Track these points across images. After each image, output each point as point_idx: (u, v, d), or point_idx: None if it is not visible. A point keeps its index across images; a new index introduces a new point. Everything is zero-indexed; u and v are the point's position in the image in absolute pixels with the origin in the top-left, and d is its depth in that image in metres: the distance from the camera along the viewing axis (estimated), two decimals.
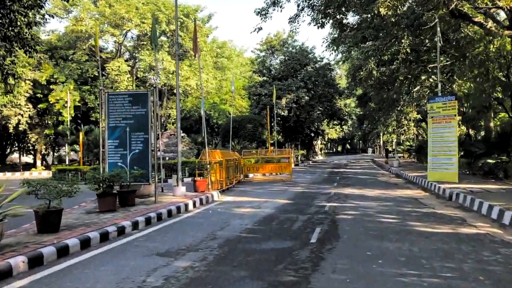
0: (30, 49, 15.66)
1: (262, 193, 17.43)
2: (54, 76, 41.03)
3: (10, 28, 14.75)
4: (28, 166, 48.98)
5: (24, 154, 59.25)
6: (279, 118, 34.47)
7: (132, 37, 45.34)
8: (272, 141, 32.74)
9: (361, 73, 24.05)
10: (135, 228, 9.26)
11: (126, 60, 43.84)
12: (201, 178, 15.90)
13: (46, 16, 18.53)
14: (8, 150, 55.60)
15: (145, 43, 43.33)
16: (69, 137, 32.24)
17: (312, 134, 47.20)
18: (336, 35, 40.08)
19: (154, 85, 11.83)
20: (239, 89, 46.98)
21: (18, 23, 14.72)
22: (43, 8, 16.58)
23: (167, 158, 30.23)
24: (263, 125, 33.37)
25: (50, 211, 7.62)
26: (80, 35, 40.64)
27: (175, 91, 47.25)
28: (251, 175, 25.84)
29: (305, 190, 18.36)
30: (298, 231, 9.10)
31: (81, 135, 30.26)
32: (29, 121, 41.92)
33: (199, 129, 44.22)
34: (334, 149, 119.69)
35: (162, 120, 48.39)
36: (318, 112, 41.15)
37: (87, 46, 40.83)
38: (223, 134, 33.94)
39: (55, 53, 43.14)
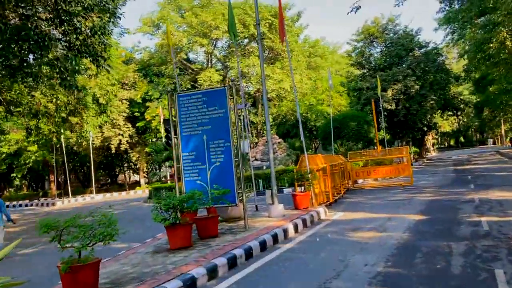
0: (97, 57, 14.00)
1: (381, 205, 13.85)
2: (149, 93, 41.06)
3: (75, 36, 13.14)
4: (135, 185, 49.97)
5: (132, 173, 61.30)
6: (385, 113, 30.18)
7: (222, 46, 44.04)
8: (380, 139, 28.59)
9: (491, 45, 19.34)
10: (213, 276, 6.44)
11: (217, 70, 42.56)
12: (302, 190, 12.82)
13: (119, 27, 17.04)
14: (118, 170, 57.75)
15: (234, 49, 41.60)
16: (163, 154, 31.29)
17: (425, 128, 41.67)
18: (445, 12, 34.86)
19: (231, 79, 8.35)
20: (337, 86, 43.26)
21: (82, 29, 13.03)
22: (114, 16, 14.93)
23: (264, 167, 27.69)
24: (369, 121, 29.38)
25: (78, 266, 5.09)
26: (169, 48, 40.10)
27: (269, 95, 45.03)
28: (360, 181, 22.17)
29: (437, 198, 14.40)
30: (466, 277, 5.58)
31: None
32: (129, 140, 42.48)
33: (296, 134, 41.35)
34: (446, 144, 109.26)
35: (258, 128, 46.40)
36: (431, 102, 35.83)
37: (177, 59, 40.17)
38: (323, 136, 30.60)
39: (148, 70, 43.34)
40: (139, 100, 40.81)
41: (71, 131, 32.53)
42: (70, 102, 25.18)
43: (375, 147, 26.59)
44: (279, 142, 28.72)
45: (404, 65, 35.75)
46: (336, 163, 17.35)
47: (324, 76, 51.40)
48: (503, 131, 76.32)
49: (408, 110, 34.61)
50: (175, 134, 10.34)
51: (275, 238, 8.83)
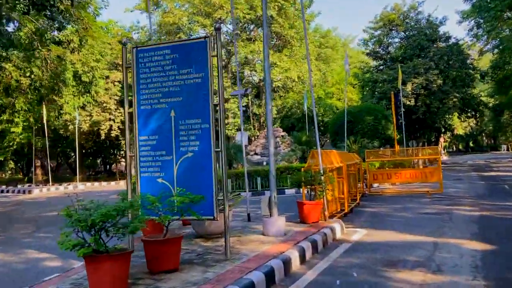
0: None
1: (413, 220, 10.53)
2: None
3: None
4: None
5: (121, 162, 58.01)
6: (403, 110, 26.80)
7: (227, 31, 40.59)
8: (397, 138, 25.18)
9: None
10: None
11: None
12: (310, 197, 9.49)
13: None
14: (113, 157, 54.48)
15: (239, 32, 38.23)
16: None
17: (442, 129, 38.20)
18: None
19: (216, 26, 4.43)
20: (349, 79, 39.78)
21: None
22: None
23: (264, 163, 24.40)
24: (387, 116, 25.93)
25: None
26: (170, 29, 36.76)
27: (274, 85, 41.58)
28: (375, 185, 18.86)
29: (484, 213, 11.07)
30: None
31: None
32: (121, 127, 39.23)
33: (302, 128, 38.02)
34: (455, 147, 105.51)
35: (261, 121, 43.02)
36: (453, 99, 32.30)
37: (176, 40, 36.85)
38: (333, 130, 27.18)
39: None
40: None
41: (50, 112, 29.28)
42: (46, 77, 21.88)
43: (393, 146, 23.19)
44: (282, 136, 25.37)
45: (426, 58, 32.20)
46: (352, 162, 14.02)
47: (335, 69, 48.02)
48: None
49: (428, 107, 31.10)
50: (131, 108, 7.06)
51: (269, 277, 5.54)
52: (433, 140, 46.27)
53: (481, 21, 33.41)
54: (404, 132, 25.36)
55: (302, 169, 9.83)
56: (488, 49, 35.66)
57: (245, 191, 11.61)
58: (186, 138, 6.58)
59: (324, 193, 9.17)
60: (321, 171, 9.32)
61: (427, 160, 28.82)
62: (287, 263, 6.14)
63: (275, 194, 7.97)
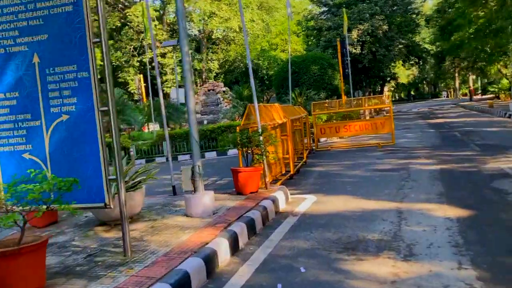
0: None
1: (368, 179, 9.17)
2: None
3: None
4: None
5: None
6: (349, 58, 25.39)
7: None
8: (344, 88, 23.89)
9: None
10: None
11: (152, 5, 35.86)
12: (250, 163, 7.80)
13: None
14: None
15: None
16: None
17: (388, 78, 37.56)
18: None
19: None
20: (292, 27, 37.83)
21: None
22: None
23: (205, 122, 22.49)
24: (333, 65, 24.45)
25: None
26: None
27: (214, 36, 38.95)
28: (323, 140, 17.57)
29: (444, 167, 9.91)
30: None
31: None
32: None
33: (247, 83, 36.11)
34: (397, 96, 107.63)
35: (203, 77, 40.58)
36: (399, 46, 31.33)
37: None
38: (277, 83, 25.46)
39: None
40: None
41: None
42: None
43: (340, 97, 21.88)
44: (224, 91, 23.40)
45: (371, 2, 30.74)
46: (297, 116, 12.44)
47: (278, 19, 45.84)
48: (457, 84, 74.54)
49: (374, 55, 30.01)
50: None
51: (183, 286, 3.85)
52: (377, 90, 45.88)
53: None
54: (350, 82, 24.10)
55: (238, 128, 8.06)
56: None
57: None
58: (57, 94, 4.57)
59: (264, 156, 7.50)
60: (260, 131, 7.60)
61: (373, 110, 27.95)
62: (210, 260, 4.47)
63: (199, 163, 6.17)
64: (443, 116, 30.17)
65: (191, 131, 6.24)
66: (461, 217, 5.80)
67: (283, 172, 10.35)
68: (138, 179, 6.16)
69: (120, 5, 35.97)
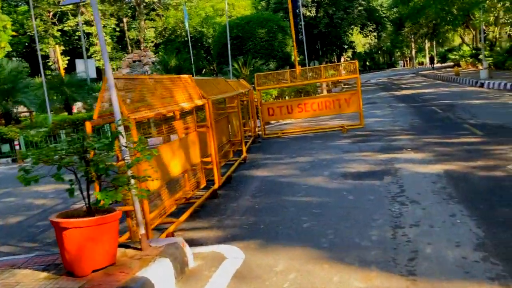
0: None
1: (337, 198, 5.48)
2: None
3: None
4: None
5: None
6: (303, 22, 21.48)
7: None
8: (299, 58, 20.06)
9: None
10: None
11: None
12: (97, 206, 3.84)
13: None
14: None
15: None
16: None
17: (346, 47, 34.04)
18: None
19: None
20: None
21: None
22: None
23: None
24: (284, 28, 20.41)
25: None
26: None
27: (148, 0, 33.88)
28: (273, 123, 13.86)
29: (451, 168, 6.39)
30: None
31: None
32: None
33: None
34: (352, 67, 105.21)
35: (141, 48, 35.58)
36: (359, 8, 27.64)
37: None
38: (217, 51, 21.18)
39: None
40: None
41: None
42: None
43: (293, 68, 18.04)
44: (153, 62, 18.94)
45: None
46: (230, 94, 8.52)
47: None
48: (413, 53, 72.63)
49: (331, 18, 26.23)
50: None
51: None
52: (333, 60, 42.60)
53: None
54: (305, 48, 20.27)
55: (88, 123, 4.05)
56: None
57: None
58: None
59: (131, 187, 3.55)
60: (121, 128, 3.65)
61: (331, 83, 24.42)
62: None
63: None
64: (407, 87, 27.17)
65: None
66: None
67: (204, 185, 6.54)
68: None
69: None
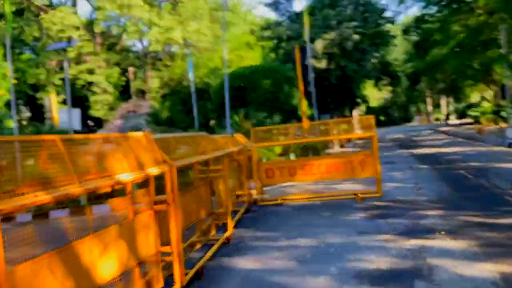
0: None
1: None
2: None
3: None
4: None
5: None
6: (313, 74, 20.05)
7: None
8: (308, 111, 18.40)
9: None
10: None
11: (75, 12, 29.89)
12: None
13: None
14: None
15: None
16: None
17: (359, 101, 32.55)
18: None
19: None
20: (247, 44, 32.62)
21: None
22: None
23: None
24: (291, 80, 18.94)
25: None
26: None
27: (151, 49, 33.07)
28: (270, 188, 11.90)
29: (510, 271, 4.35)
30: None
31: None
32: None
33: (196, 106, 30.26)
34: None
35: (146, 98, 34.56)
36: (373, 60, 26.33)
37: None
38: (217, 102, 19.69)
39: None
40: None
41: None
42: None
43: (300, 121, 16.31)
44: (148, 114, 17.39)
45: (337, 9, 25.69)
46: (214, 155, 6.71)
47: (234, 33, 40.78)
48: (429, 108, 71.21)
49: (344, 70, 24.84)
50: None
51: None
52: (346, 115, 41.10)
53: None
54: (314, 100, 18.62)
55: None
56: (408, 3, 30.36)
57: None
58: None
59: None
60: None
61: (344, 140, 22.60)
62: None
63: None
64: (426, 145, 25.23)
65: None
66: None
67: (160, 286, 4.60)
68: None
69: (34, 8, 29.71)
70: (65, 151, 3.10)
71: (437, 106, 68.67)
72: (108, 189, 3.97)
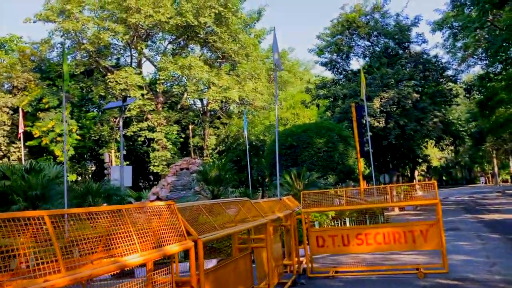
0: None
1: None
2: (43, 100, 29.52)
3: None
4: None
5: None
6: (369, 134, 19.32)
7: (151, 40, 33.08)
8: (363, 173, 17.49)
9: None
10: None
11: (138, 73, 31.35)
12: None
13: None
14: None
15: (162, 43, 30.83)
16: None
17: (420, 160, 31.01)
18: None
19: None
20: (300, 96, 32.55)
21: None
22: None
23: None
24: (346, 139, 18.25)
25: None
26: (73, 38, 28.99)
27: (210, 108, 33.85)
28: (327, 256, 11.00)
29: None
30: None
31: None
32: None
33: (252, 162, 30.18)
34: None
35: (204, 154, 35.01)
36: (434, 119, 25.14)
37: (82, 50, 28.94)
38: (269, 162, 19.23)
39: (47, 69, 31.92)
40: (28, 109, 29.17)
41: None
42: None
43: (357, 183, 15.43)
44: (199, 171, 17.26)
45: (395, 68, 25.09)
46: (252, 225, 6.15)
47: (291, 92, 41.20)
48: (496, 169, 67.01)
49: (403, 129, 23.81)
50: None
51: None
52: (406, 174, 39.42)
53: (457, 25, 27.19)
54: (372, 163, 17.79)
55: None
56: (470, 61, 29.19)
57: None
58: None
59: None
60: None
61: (403, 206, 21.06)
62: None
63: None
64: (495, 209, 23.13)
65: None
66: None
67: None
68: None
69: (101, 69, 31.50)
70: (52, 232, 2.66)
71: (504, 167, 64.57)
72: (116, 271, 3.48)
